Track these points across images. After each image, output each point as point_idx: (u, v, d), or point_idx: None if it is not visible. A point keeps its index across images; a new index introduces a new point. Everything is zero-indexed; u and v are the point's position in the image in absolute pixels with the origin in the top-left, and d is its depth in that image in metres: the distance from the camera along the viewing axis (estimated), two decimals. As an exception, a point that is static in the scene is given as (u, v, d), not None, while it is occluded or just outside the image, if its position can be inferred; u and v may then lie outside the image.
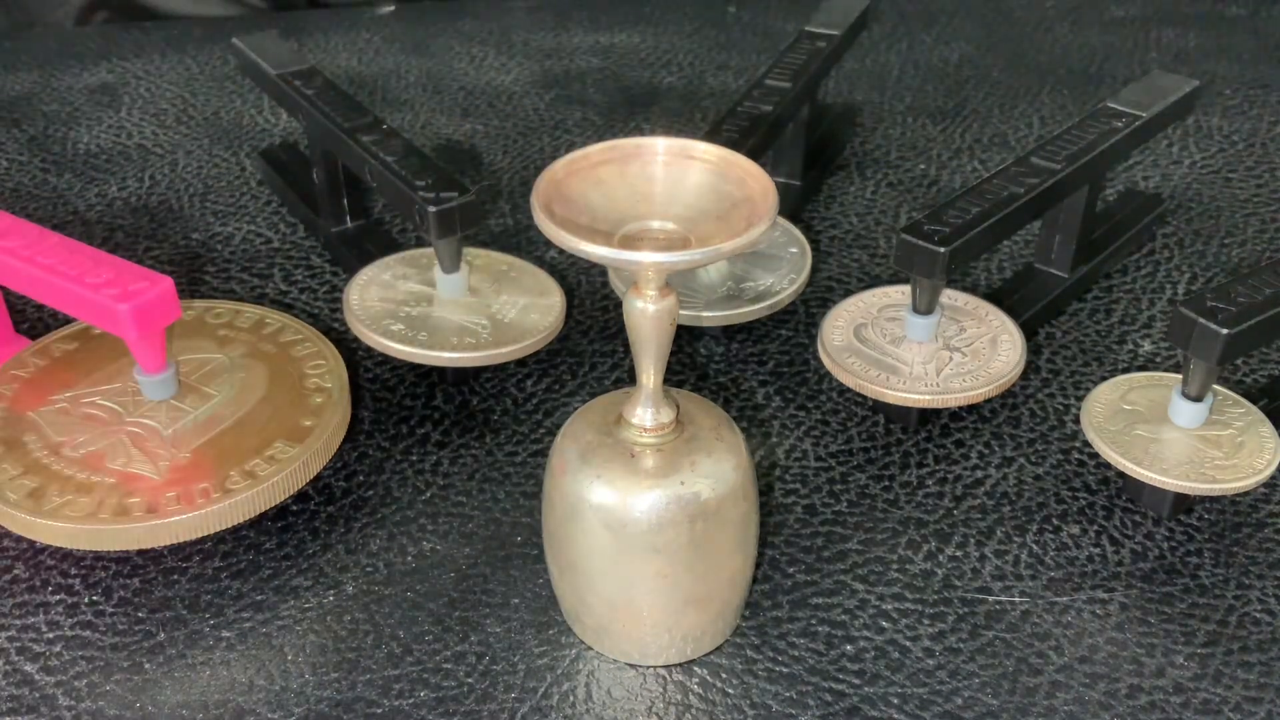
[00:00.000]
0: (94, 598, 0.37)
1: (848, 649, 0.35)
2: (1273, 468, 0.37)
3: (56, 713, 0.33)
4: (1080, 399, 0.44)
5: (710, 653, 0.35)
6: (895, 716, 0.33)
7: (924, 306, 0.42)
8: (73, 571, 0.38)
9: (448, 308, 0.44)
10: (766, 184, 0.29)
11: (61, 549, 0.38)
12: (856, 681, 0.34)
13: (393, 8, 0.80)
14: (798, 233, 0.49)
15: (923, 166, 0.60)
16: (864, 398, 0.44)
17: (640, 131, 0.64)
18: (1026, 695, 0.34)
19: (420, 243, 0.52)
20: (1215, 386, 0.40)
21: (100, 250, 0.39)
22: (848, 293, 0.50)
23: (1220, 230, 0.54)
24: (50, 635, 0.36)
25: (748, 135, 0.49)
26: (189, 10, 0.82)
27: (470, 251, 0.47)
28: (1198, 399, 0.38)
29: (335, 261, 0.52)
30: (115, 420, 0.39)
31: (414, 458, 0.42)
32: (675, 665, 0.35)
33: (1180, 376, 0.39)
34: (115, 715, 0.33)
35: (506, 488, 0.41)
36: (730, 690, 0.34)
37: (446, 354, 0.42)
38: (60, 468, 0.37)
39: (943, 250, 0.40)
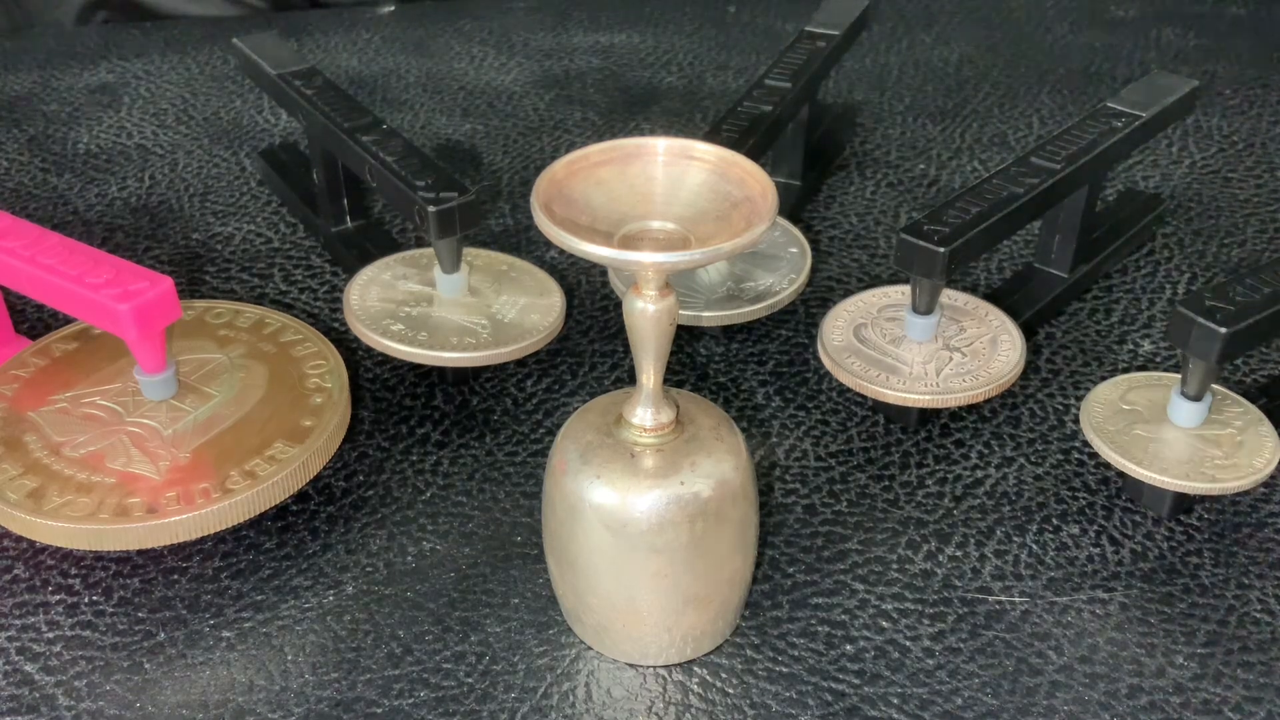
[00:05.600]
0: (94, 598, 0.37)
1: (848, 649, 0.35)
2: (1272, 467, 0.37)
3: (56, 713, 0.33)
4: (1080, 399, 0.44)
5: (710, 653, 0.35)
6: (895, 716, 0.33)
7: (924, 306, 0.42)
8: (73, 571, 0.38)
9: (448, 308, 0.44)
10: (766, 184, 0.29)
11: (61, 549, 0.38)
12: (856, 681, 0.34)
13: (393, 8, 0.80)
14: (798, 233, 0.49)
15: (923, 166, 0.60)
16: (864, 398, 0.44)
17: (640, 131, 0.64)
18: (1026, 695, 0.34)
19: (420, 243, 0.52)
20: (1214, 386, 0.40)
21: (100, 250, 0.39)
22: (848, 293, 0.50)
23: (1220, 230, 0.54)
24: (50, 635, 0.36)
25: (748, 135, 0.49)
26: (189, 10, 0.81)
27: (470, 251, 0.47)
28: (1197, 398, 0.38)
29: (335, 261, 0.52)
30: (115, 420, 0.39)
31: (414, 458, 0.42)
32: (675, 665, 0.35)
33: (1180, 376, 0.39)
34: (115, 715, 0.33)
35: (506, 488, 0.41)
36: (730, 690, 0.34)
37: (446, 354, 0.42)
38: (60, 468, 0.37)
39: (943, 250, 0.40)
